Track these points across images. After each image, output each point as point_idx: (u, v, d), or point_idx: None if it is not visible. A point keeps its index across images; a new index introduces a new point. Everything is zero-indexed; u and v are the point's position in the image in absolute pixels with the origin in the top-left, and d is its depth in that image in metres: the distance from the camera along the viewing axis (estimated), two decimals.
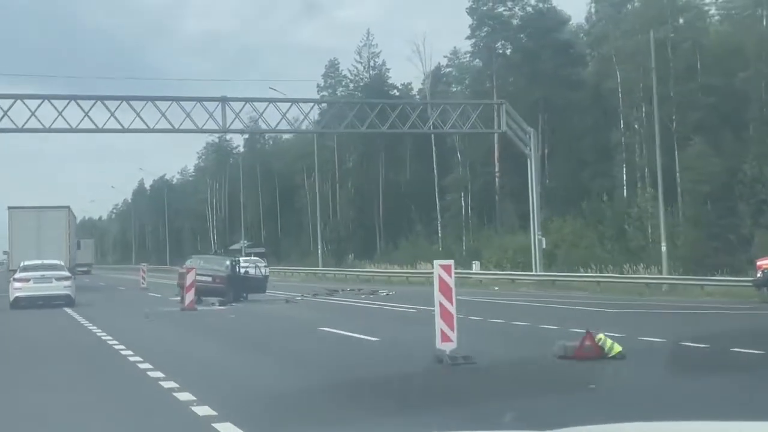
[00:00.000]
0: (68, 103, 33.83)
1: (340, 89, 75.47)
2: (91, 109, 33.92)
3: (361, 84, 69.56)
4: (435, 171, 58.82)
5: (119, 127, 34.90)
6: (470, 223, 56.10)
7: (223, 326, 19.80)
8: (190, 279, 24.33)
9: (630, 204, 40.57)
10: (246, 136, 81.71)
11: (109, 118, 34.38)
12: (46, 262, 27.78)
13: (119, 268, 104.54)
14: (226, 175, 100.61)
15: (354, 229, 66.11)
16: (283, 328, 19.15)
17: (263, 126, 41.02)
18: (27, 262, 27.72)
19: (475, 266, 40.41)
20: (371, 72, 69.23)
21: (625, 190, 43.40)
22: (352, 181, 70.04)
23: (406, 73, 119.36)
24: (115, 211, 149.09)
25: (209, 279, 26.36)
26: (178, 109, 35.12)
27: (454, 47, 62.33)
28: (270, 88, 44.71)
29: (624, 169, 43.70)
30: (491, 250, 44.73)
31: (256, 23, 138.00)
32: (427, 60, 62.73)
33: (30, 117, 33.46)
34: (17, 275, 26.45)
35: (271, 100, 40.73)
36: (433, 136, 59.00)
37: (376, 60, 67.84)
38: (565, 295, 29.43)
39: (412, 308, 23.13)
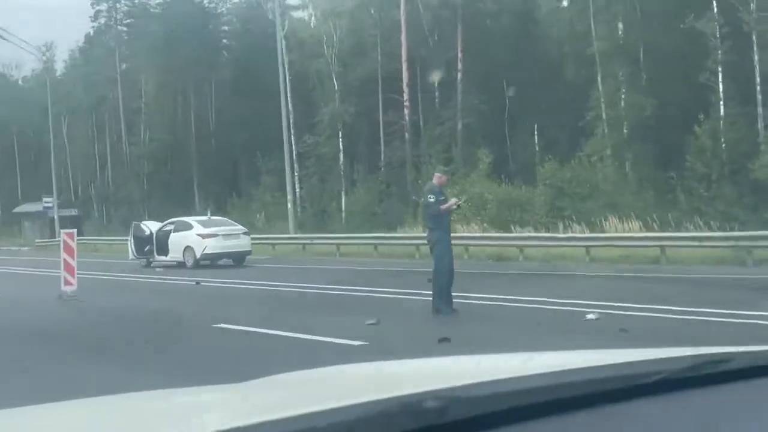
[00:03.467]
0: None
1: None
2: None
3: None
4: (289, 105, 42.12)
5: None
6: (344, 172, 40.37)
7: None
8: None
9: (733, 127, 26.92)
10: None
11: None
12: None
13: None
14: None
15: (152, 187, 47.42)
16: None
17: None
18: None
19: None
20: None
21: (721, 107, 28.80)
22: (147, 123, 50.87)
23: None
24: None
25: None
26: None
27: None
28: None
29: (720, 77, 28.88)
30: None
31: None
32: None
33: None
34: None
35: None
36: (286, 59, 42.30)
37: None
38: None
39: None
